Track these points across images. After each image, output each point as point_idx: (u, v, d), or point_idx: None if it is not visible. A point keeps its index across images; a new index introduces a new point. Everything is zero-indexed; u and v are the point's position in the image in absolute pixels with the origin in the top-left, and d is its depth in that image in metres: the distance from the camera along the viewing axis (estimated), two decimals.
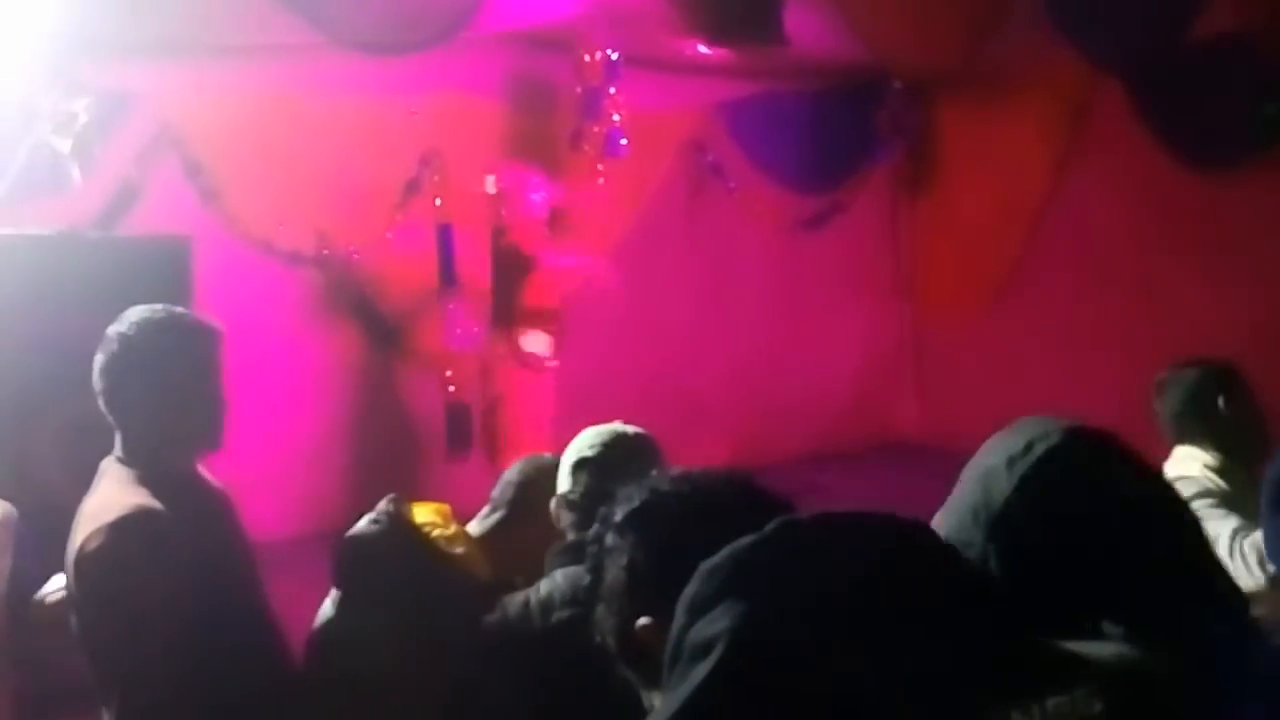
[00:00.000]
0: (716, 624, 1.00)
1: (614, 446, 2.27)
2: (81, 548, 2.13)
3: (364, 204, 7.22)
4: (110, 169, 6.00)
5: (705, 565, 1.05)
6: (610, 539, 1.42)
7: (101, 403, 2.26)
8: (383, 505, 2.41)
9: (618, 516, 1.43)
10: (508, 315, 6.89)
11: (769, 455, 7.54)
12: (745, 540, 1.05)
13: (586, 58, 7.08)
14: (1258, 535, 2.63)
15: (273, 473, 6.30)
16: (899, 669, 0.98)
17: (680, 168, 8.30)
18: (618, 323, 7.52)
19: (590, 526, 1.47)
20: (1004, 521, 1.24)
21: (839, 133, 8.48)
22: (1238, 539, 2.79)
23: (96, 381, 2.25)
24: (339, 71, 6.91)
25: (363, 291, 7.18)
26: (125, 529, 2.10)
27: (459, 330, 7.22)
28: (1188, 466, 3.10)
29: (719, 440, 7.62)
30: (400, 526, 2.31)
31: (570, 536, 2.24)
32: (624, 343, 7.53)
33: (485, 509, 2.56)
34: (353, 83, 7.04)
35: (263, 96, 6.85)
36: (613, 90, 7.10)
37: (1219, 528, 2.82)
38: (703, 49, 6.68)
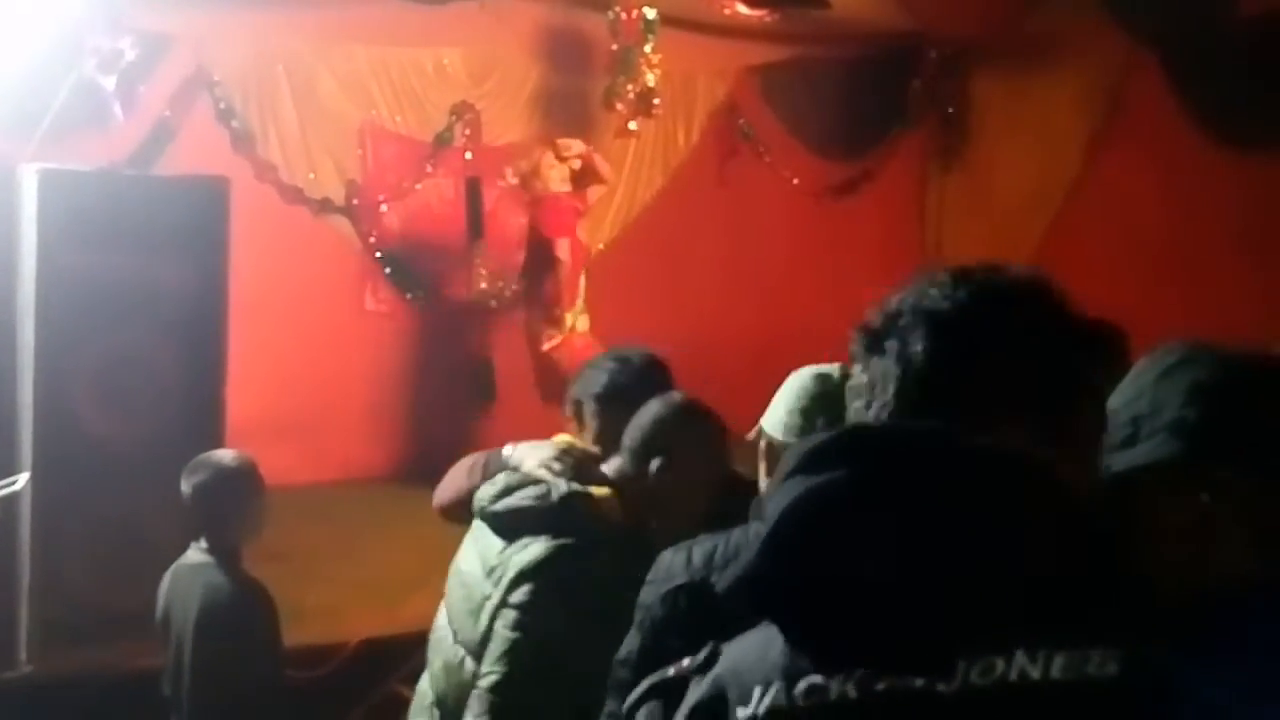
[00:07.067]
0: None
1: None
2: None
3: (394, 155, 7.23)
4: (147, 109, 6.01)
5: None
6: None
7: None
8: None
9: None
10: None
11: None
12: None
13: (622, 15, 7.04)
14: None
15: (299, 419, 6.34)
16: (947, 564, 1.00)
17: (712, 130, 8.27)
18: (641, 284, 7.52)
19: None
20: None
21: (872, 100, 8.42)
22: None
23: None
24: (374, 20, 6.90)
25: (390, 242, 7.19)
26: None
27: (484, 283, 7.25)
28: None
29: (738, 404, 7.62)
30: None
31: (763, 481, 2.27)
32: (646, 304, 7.53)
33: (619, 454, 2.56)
34: (387, 32, 7.03)
35: (297, 44, 6.85)
36: (648, 49, 7.07)
37: None
38: (742, 9, 6.65)
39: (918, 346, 1.12)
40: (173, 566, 3.44)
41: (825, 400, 2.23)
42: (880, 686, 1.00)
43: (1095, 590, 1.02)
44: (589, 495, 2.40)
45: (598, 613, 2.25)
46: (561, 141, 6.97)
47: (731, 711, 1.06)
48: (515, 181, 6.89)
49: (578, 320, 6.84)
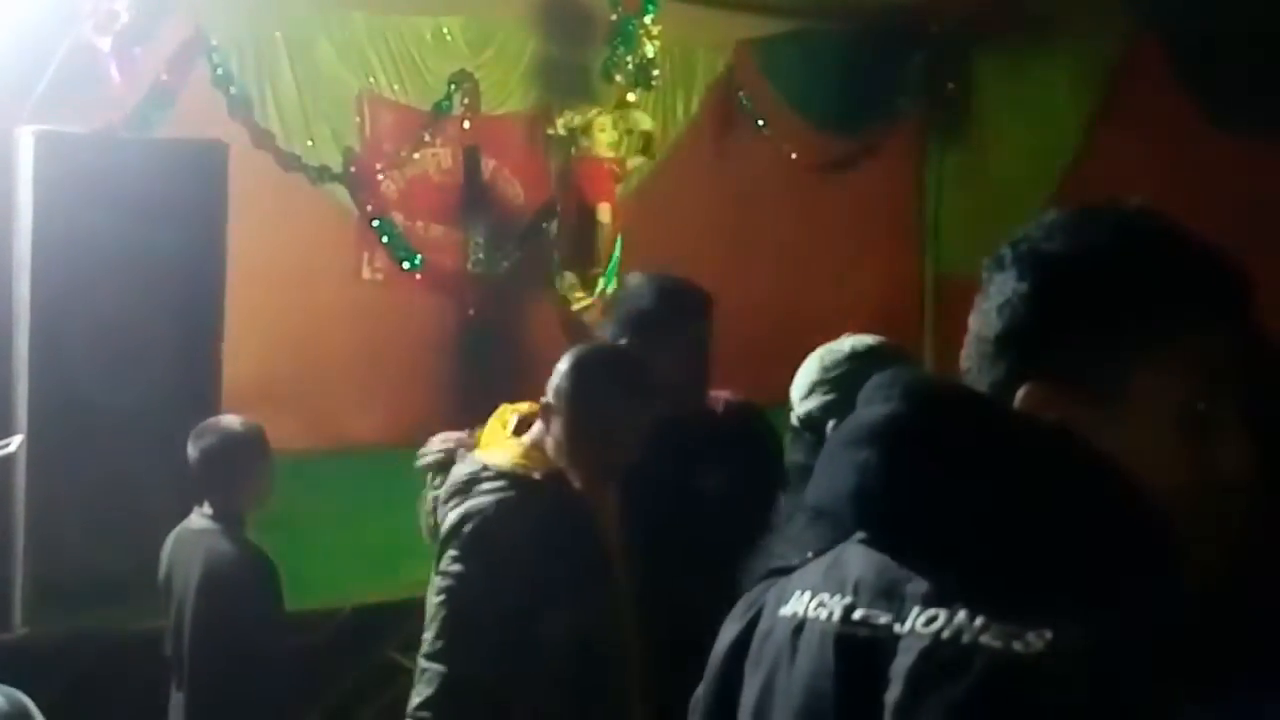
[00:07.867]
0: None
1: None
2: None
3: (392, 123, 7.20)
4: (143, 72, 5.97)
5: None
6: None
7: None
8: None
9: None
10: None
11: (782, 397, 7.54)
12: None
13: None
14: None
15: (294, 386, 6.34)
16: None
17: (711, 102, 8.24)
18: (638, 256, 7.51)
19: None
20: None
21: (873, 75, 8.41)
22: None
23: None
24: None
25: (387, 210, 7.17)
26: None
27: (482, 252, 7.24)
28: None
29: (733, 378, 7.62)
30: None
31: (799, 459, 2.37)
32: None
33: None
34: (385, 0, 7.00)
35: (295, 9, 6.80)
36: (647, 20, 7.04)
37: None
38: None
39: (1007, 288, 1.12)
40: (175, 530, 3.46)
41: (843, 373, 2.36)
42: (856, 615, 1.05)
43: (1067, 571, 0.97)
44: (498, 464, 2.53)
45: (519, 566, 2.34)
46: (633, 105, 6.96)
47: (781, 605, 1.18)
48: (563, 134, 6.83)
49: (609, 284, 6.86)
